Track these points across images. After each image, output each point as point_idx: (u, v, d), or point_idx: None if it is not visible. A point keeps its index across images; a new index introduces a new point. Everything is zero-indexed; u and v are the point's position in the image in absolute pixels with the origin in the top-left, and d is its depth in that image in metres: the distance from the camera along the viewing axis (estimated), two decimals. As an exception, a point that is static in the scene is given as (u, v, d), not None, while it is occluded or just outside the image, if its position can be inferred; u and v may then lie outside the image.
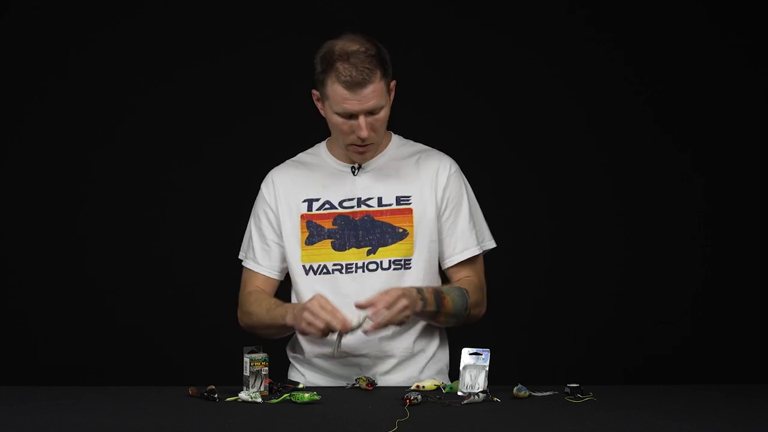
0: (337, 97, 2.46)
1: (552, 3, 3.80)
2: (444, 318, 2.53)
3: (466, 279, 2.61)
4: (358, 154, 2.55)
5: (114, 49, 3.72)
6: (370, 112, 2.48)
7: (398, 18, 3.63)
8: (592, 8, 3.79)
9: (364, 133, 2.48)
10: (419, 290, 2.47)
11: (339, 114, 2.49)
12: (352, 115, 2.48)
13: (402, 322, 2.44)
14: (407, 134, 2.67)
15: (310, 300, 2.42)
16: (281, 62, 3.73)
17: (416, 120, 2.77)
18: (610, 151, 3.80)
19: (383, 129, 2.54)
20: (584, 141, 3.80)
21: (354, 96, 2.45)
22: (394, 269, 2.54)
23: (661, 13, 3.78)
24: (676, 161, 3.79)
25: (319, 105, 2.56)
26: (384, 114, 2.51)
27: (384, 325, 2.39)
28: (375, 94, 2.46)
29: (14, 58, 3.70)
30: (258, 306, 2.58)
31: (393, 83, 2.54)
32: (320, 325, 2.38)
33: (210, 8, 3.74)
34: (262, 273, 2.63)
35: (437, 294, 2.50)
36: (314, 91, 2.55)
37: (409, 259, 2.55)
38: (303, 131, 2.81)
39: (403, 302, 2.40)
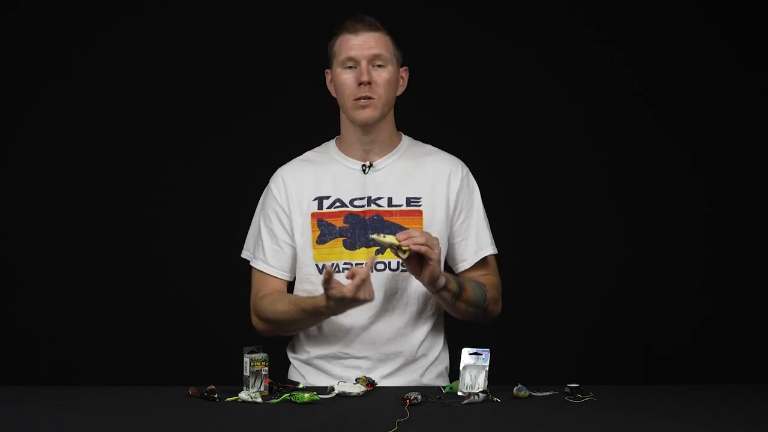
0: (342, 46, 2.52)
1: (552, 3, 3.80)
2: (464, 305, 2.52)
3: (483, 276, 2.61)
4: (360, 109, 2.52)
5: (114, 49, 3.72)
6: (374, 65, 2.50)
7: (398, 18, 3.62)
8: (592, 8, 3.79)
9: (365, 77, 2.49)
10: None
11: (343, 66, 2.51)
12: (355, 66, 2.50)
13: (428, 258, 2.38)
14: (408, 134, 2.67)
15: (343, 299, 2.37)
16: (281, 62, 3.73)
17: (416, 120, 2.76)
18: (611, 151, 3.80)
19: (387, 91, 2.53)
20: (584, 141, 3.80)
21: (357, 39, 2.51)
22: (401, 270, 2.54)
23: (661, 13, 3.78)
24: (676, 161, 3.79)
25: (331, 88, 2.57)
26: (388, 74, 2.52)
27: (417, 243, 2.35)
28: (378, 43, 2.51)
29: (14, 58, 3.70)
30: (279, 309, 2.53)
31: (404, 69, 2.58)
32: (364, 287, 2.35)
33: (210, 8, 3.74)
34: (273, 274, 2.60)
35: (457, 279, 2.51)
36: (327, 71, 2.58)
37: None
38: (303, 131, 2.81)
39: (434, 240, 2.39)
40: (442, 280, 2.45)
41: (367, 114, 2.53)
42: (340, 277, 2.51)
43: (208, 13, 3.74)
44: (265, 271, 2.60)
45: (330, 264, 2.49)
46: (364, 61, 2.51)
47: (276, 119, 3.72)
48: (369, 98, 2.51)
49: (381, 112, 2.54)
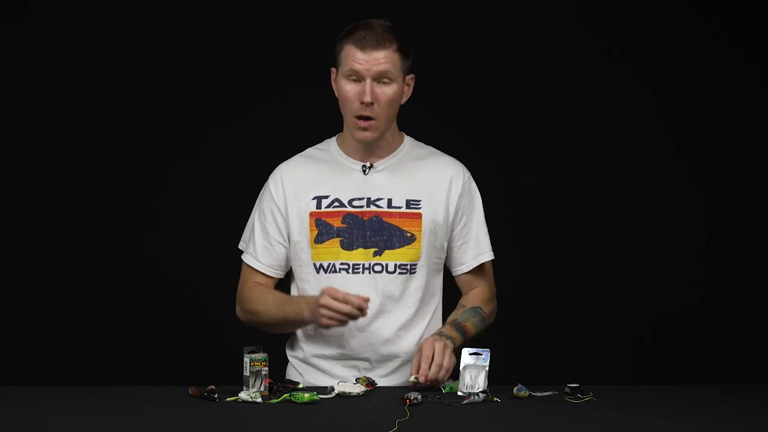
0: (347, 57, 2.48)
1: (556, 4, 3.79)
2: (469, 340, 2.55)
3: (477, 292, 2.62)
4: (359, 130, 2.51)
5: (114, 50, 3.71)
6: (379, 82, 2.48)
7: (399, 18, 3.63)
8: (595, 10, 3.79)
9: (368, 97, 2.46)
10: (440, 334, 2.49)
11: (347, 77, 2.49)
12: (360, 80, 2.48)
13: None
14: (410, 134, 2.66)
15: (322, 296, 2.40)
16: (283, 61, 3.73)
17: (418, 120, 2.76)
18: (612, 151, 3.80)
19: (390, 109, 2.51)
20: (586, 142, 3.80)
21: (364, 56, 2.46)
22: (399, 273, 2.54)
23: (664, 16, 3.78)
24: (679, 163, 3.79)
25: (334, 86, 2.56)
26: (393, 91, 2.49)
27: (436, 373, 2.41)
28: (386, 60, 2.47)
29: (14, 59, 3.70)
30: (263, 305, 2.55)
31: (411, 77, 2.55)
32: (340, 317, 2.38)
33: (211, 8, 3.74)
34: (262, 271, 2.60)
35: (458, 326, 2.53)
36: (332, 69, 2.56)
37: (415, 264, 2.55)
38: (306, 130, 2.80)
39: (444, 346, 2.43)
40: (450, 346, 2.47)
41: (365, 135, 2.52)
42: (337, 277, 2.52)
43: (209, 13, 3.74)
44: (253, 266, 2.60)
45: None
46: (368, 79, 2.47)
47: (279, 117, 3.72)
48: (369, 119, 2.50)
49: (380, 132, 2.53)
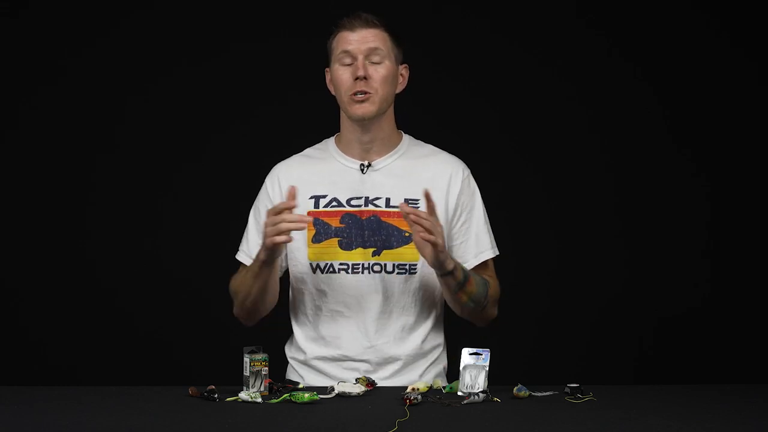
0: (339, 42, 2.52)
1: (557, 5, 3.79)
2: (466, 296, 2.49)
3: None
4: (357, 104, 2.50)
5: (114, 50, 3.72)
6: (371, 61, 2.50)
7: (400, 17, 3.62)
8: (596, 10, 3.79)
9: (361, 71, 2.48)
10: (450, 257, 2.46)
11: (340, 62, 2.51)
12: (352, 63, 2.50)
13: (433, 254, 2.38)
14: (408, 133, 2.66)
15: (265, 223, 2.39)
16: (281, 62, 3.73)
17: (418, 121, 2.76)
18: (612, 151, 3.80)
19: (384, 88, 2.52)
20: (587, 141, 3.80)
21: (355, 35, 2.51)
22: (398, 273, 2.53)
23: (665, 16, 3.78)
24: (679, 163, 3.79)
25: (330, 86, 2.57)
26: (385, 70, 2.51)
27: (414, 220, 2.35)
28: (376, 39, 2.51)
29: (14, 59, 3.70)
30: (240, 282, 2.55)
31: (404, 66, 2.58)
32: (281, 227, 2.35)
33: (210, 9, 3.74)
34: None
35: (464, 271, 2.48)
36: (326, 69, 2.58)
37: (415, 265, 2.53)
38: (303, 130, 2.80)
39: (440, 229, 2.37)
40: (449, 264, 2.42)
41: (364, 108, 2.51)
42: (335, 277, 2.52)
43: (209, 13, 3.74)
44: (246, 263, 2.58)
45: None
46: (360, 56, 2.50)
47: (279, 117, 3.72)
48: (365, 93, 2.50)
49: (378, 107, 2.52)
